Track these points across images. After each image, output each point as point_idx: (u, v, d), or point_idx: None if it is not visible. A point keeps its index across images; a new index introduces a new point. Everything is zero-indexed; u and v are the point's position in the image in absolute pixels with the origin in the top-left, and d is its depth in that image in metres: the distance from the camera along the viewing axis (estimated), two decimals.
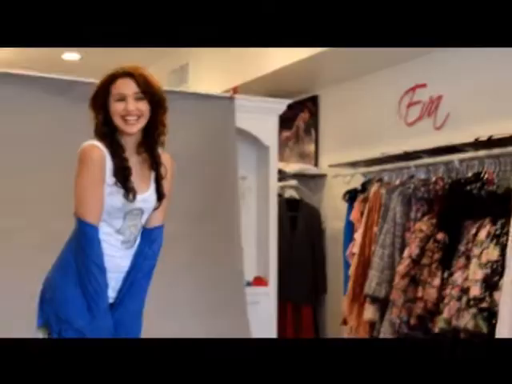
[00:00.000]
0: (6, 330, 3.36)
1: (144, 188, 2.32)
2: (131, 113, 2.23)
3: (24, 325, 2.49)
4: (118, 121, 2.24)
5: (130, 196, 2.24)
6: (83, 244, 2.20)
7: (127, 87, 2.23)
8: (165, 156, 2.40)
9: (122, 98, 2.23)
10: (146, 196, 2.33)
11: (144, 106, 2.25)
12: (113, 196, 2.23)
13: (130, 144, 2.30)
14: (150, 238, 2.38)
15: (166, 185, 2.40)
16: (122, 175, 2.23)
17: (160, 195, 2.37)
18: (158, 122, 2.31)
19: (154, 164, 2.36)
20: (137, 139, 2.31)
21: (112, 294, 2.31)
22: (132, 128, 2.25)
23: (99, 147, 2.21)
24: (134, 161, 2.31)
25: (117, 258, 2.29)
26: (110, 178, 2.22)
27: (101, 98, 2.25)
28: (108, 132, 2.25)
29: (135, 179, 2.27)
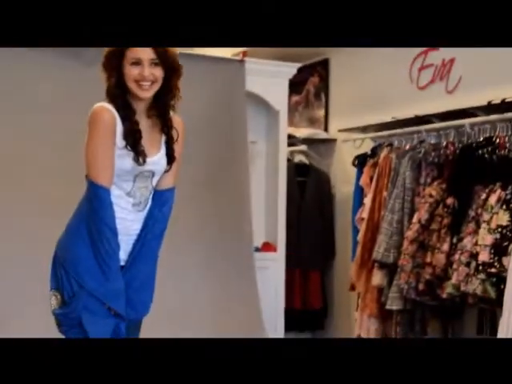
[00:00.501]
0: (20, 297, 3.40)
1: (154, 151, 2.32)
2: (146, 78, 2.22)
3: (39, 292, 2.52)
4: (131, 85, 2.23)
5: (140, 159, 2.24)
6: (95, 206, 2.20)
7: (144, 52, 2.21)
8: (176, 119, 2.40)
9: (138, 63, 2.22)
10: (156, 159, 2.32)
11: (158, 72, 2.24)
12: (122, 159, 2.22)
13: (140, 107, 2.29)
14: (160, 200, 2.38)
15: (177, 148, 2.39)
16: (133, 138, 2.23)
17: (170, 158, 2.37)
18: (172, 87, 2.30)
19: (165, 128, 2.35)
20: (148, 102, 2.30)
21: (123, 256, 2.31)
22: (145, 93, 2.24)
23: (109, 109, 2.21)
24: (145, 124, 2.30)
25: (128, 220, 2.29)
26: (120, 141, 2.22)
27: (115, 60, 2.23)
28: (120, 94, 2.24)
29: (145, 142, 2.27)
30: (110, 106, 2.21)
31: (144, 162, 2.24)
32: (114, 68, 2.23)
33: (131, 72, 2.21)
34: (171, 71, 2.27)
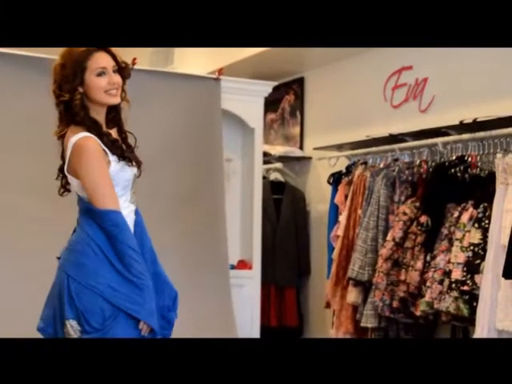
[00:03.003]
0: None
1: None
2: (115, 85, 2.25)
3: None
4: (100, 95, 2.25)
5: (134, 163, 2.30)
6: (113, 232, 2.19)
7: (106, 61, 2.25)
8: None
9: (103, 72, 2.24)
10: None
11: (119, 79, 2.29)
12: (124, 171, 2.27)
13: (96, 117, 2.30)
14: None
15: None
16: (117, 148, 2.26)
17: (138, 163, 2.39)
18: (124, 94, 2.34)
19: (123, 136, 2.38)
20: (104, 114, 2.32)
21: None
22: (114, 99, 2.28)
23: (91, 136, 2.22)
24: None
25: (131, 227, 2.31)
26: (112, 157, 2.25)
27: (79, 76, 2.22)
28: (85, 114, 2.24)
29: None
30: (89, 134, 2.22)
31: (138, 164, 2.31)
32: (77, 85, 2.22)
33: (100, 83, 2.23)
34: (124, 78, 2.33)
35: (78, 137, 2.21)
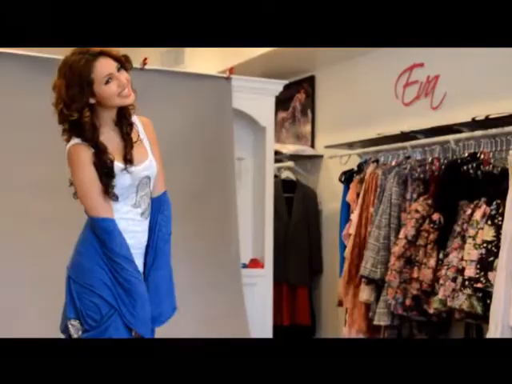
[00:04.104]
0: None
1: (144, 156, 2.33)
2: (125, 85, 2.22)
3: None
4: (114, 100, 2.23)
5: (127, 164, 2.25)
6: (104, 238, 2.22)
7: (109, 65, 2.20)
8: (142, 119, 2.40)
9: (111, 78, 2.20)
10: (147, 162, 2.33)
11: (126, 75, 2.25)
12: (119, 177, 2.24)
13: (107, 119, 2.28)
14: (160, 205, 2.40)
15: (154, 149, 2.39)
16: (107, 173, 2.23)
17: (129, 161, 2.31)
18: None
19: (126, 131, 2.32)
20: (115, 111, 2.29)
21: (140, 269, 2.33)
22: (129, 99, 2.25)
23: (81, 144, 2.20)
24: (119, 133, 2.31)
25: (139, 232, 2.32)
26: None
27: (87, 92, 2.18)
28: (93, 133, 2.22)
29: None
30: (79, 141, 2.20)
31: (131, 163, 2.25)
32: (87, 101, 2.19)
33: (111, 90, 2.20)
34: (128, 70, 2.27)
35: (70, 144, 2.23)
